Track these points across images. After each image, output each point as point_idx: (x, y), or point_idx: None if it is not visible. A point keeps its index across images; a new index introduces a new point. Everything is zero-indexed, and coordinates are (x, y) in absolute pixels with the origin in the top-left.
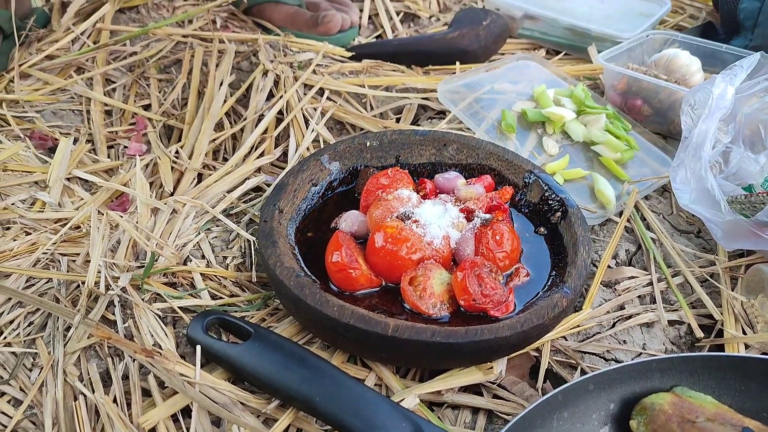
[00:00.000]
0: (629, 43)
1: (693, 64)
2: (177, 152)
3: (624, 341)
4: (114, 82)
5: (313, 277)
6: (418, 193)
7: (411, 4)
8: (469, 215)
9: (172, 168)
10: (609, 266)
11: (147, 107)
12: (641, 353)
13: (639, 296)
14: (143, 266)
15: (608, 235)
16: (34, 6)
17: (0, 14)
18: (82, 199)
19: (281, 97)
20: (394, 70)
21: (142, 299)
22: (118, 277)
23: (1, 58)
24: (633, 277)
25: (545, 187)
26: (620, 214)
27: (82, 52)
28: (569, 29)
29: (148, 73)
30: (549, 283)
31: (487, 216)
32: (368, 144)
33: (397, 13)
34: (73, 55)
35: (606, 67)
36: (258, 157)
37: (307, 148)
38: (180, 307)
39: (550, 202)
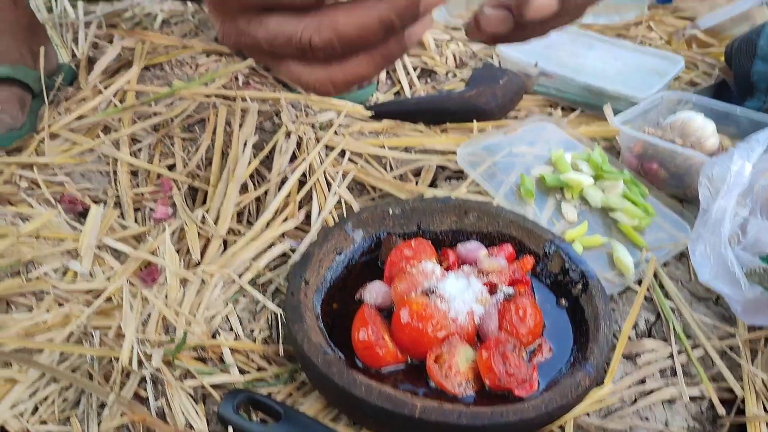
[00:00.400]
0: (645, 104)
1: (707, 128)
2: (203, 217)
3: (646, 418)
4: (139, 141)
5: (340, 353)
6: (441, 265)
7: (428, 60)
8: (492, 289)
9: (199, 233)
10: (629, 338)
11: (172, 167)
12: (662, 430)
13: (660, 369)
14: (174, 340)
15: (627, 304)
16: (61, 62)
17: (28, 74)
18: (112, 268)
19: (304, 159)
20: (413, 130)
21: (174, 376)
22: (151, 354)
23: (31, 118)
24: (653, 350)
25: (566, 258)
26: (639, 282)
27: (108, 113)
28: (584, 87)
29: (172, 132)
30: (571, 359)
31: (510, 290)
32: (391, 212)
33: (414, 69)
34: (100, 115)
35: (622, 130)
36: (282, 222)
37: (330, 212)
38: (210, 385)
39: (571, 273)
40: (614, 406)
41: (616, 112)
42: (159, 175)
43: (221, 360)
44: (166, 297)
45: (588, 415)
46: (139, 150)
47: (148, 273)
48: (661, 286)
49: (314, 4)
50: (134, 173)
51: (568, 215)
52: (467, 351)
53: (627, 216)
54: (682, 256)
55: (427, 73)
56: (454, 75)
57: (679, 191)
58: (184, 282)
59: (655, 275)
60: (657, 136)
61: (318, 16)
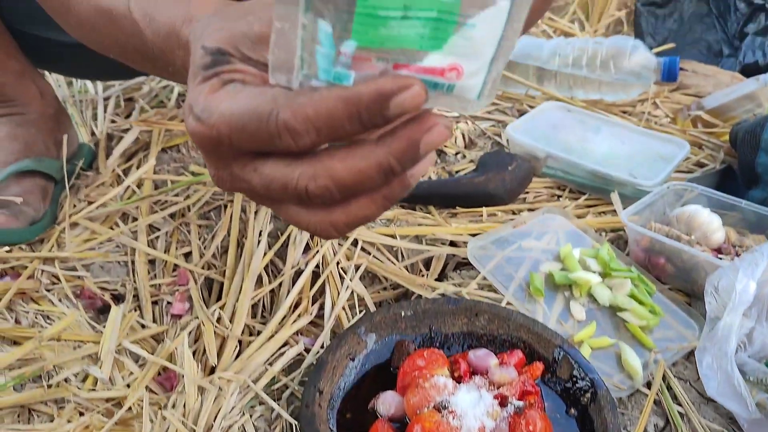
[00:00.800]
0: (651, 197)
1: (713, 222)
2: (219, 315)
3: None
4: (157, 229)
5: None
6: (453, 373)
7: None
8: (502, 401)
9: (215, 332)
10: None
11: (188, 255)
12: None
13: None
14: None
15: (636, 408)
16: (81, 141)
17: (52, 165)
18: (131, 373)
19: (317, 251)
20: (423, 217)
21: None
22: None
23: (52, 207)
24: None
25: (575, 365)
26: (648, 384)
27: (127, 202)
28: (592, 173)
29: (189, 219)
30: None
31: (520, 404)
32: (403, 314)
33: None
34: (119, 204)
35: (629, 226)
36: (295, 321)
37: (343, 307)
38: None
39: (580, 381)
40: None
41: (623, 197)
42: (176, 266)
43: None
44: (185, 406)
45: None
46: (157, 238)
47: (167, 378)
48: (669, 388)
49: (308, 150)
50: (152, 262)
51: (577, 314)
52: None
53: (634, 316)
54: (690, 355)
55: (436, 153)
56: (464, 156)
57: (687, 286)
58: (201, 389)
59: (664, 377)
60: (664, 231)
61: (313, 162)
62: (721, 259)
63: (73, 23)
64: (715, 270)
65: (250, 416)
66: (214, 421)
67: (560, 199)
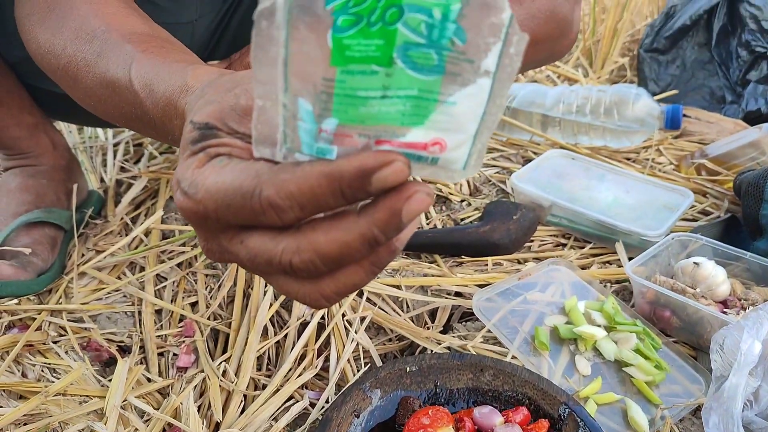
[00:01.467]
0: (656, 248)
1: (718, 275)
2: (224, 369)
3: None
4: (164, 279)
5: None
6: (458, 431)
7: (443, 187)
8: None
9: (220, 386)
10: None
11: (194, 305)
12: None
13: None
14: None
15: None
16: (90, 188)
17: (61, 216)
18: (136, 429)
19: None
20: (428, 266)
21: None
22: None
23: (60, 257)
24: None
25: (580, 423)
26: None
27: (135, 252)
28: (596, 222)
29: (195, 268)
30: None
31: None
32: (408, 369)
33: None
34: (127, 254)
35: (634, 279)
36: (300, 374)
37: (348, 360)
38: None
39: None
40: None
41: (627, 247)
42: (182, 316)
43: None
44: None
45: None
46: (164, 288)
47: None
48: None
49: (293, 224)
50: (158, 312)
51: (582, 369)
52: None
53: (640, 372)
54: (697, 411)
55: (441, 200)
56: (469, 204)
57: (693, 339)
58: None
59: None
60: (669, 284)
61: (297, 236)
62: (726, 313)
63: (81, 95)
64: (721, 325)
65: None
66: None
67: (565, 248)
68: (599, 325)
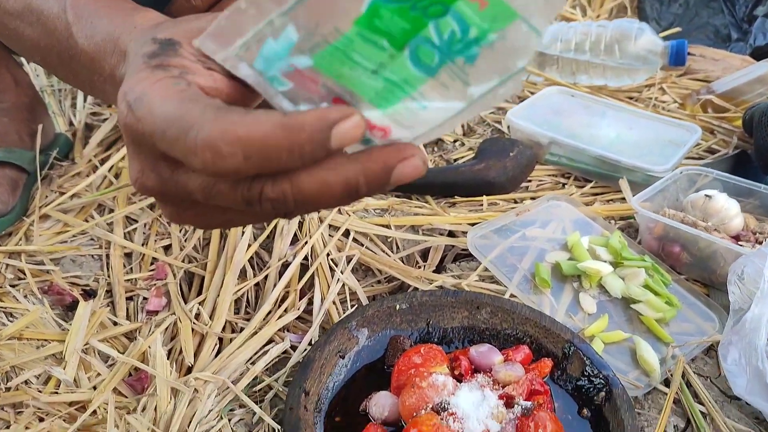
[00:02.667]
0: (663, 182)
1: (731, 208)
2: (198, 311)
3: None
4: (134, 221)
5: None
6: (453, 371)
7: None
8: (508, 402)
9: (193, 329)
10: None
11: (167, 248)
12: None
13: None
14: None
15: (653, 407)
16: (58, 131)
17: (24, 156)
18: (99, 374)
19: (306, 242)
20: (420, 206)
21: None
22: None
23: (23, 199)
24: None
25: (587, 362)
26: (665, 381)
27: (103, 192)
28: (599, 158)
29: None
30: None
31: (528, 405)
32: (398, 307)
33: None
34: (94, 195)
35: (641, 212)
36: (281, 316)
37: (333, 302)
38: None
39: (593, 379)
40: None
41: (632, 185)
42: (154, 259)
43: None
44: (156, 410)
45: None
46: (134, 230)
47: (137, 380)
48: (689, 384)
49: (225, 177)
50: (128, 255)
51: (587, 307)
52: None
53: (650, 308)
54: (710, 350)
55: (433, 141)
56: (462, 144)
57: (704, 276)
58: (174, 392)
59: (683, 374)
60: (678, 217)
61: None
62: (741, 246)
63: None
64: (735, 258)
65: (229, 420)
66: (189, 426)
67: (565, 187)
68: (605, 261)
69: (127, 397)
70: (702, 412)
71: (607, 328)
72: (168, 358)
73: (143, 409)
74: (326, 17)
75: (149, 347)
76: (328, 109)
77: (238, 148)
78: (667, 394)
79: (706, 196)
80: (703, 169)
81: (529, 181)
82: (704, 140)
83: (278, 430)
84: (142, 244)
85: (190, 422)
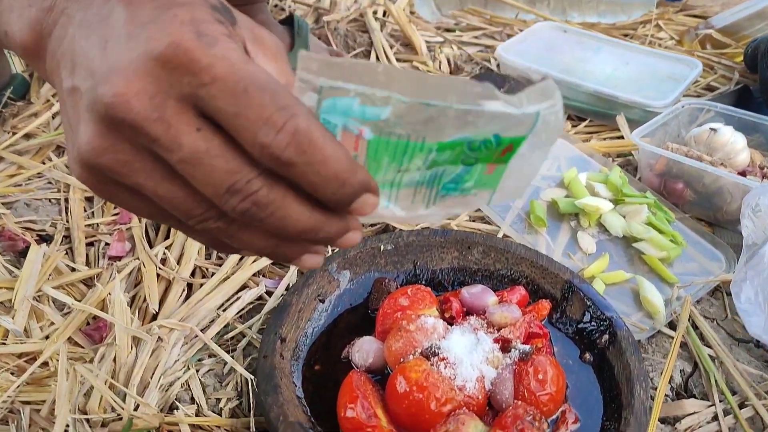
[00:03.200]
0: (664, 116)
1: (738, 142)
2: (164, 255)
3: None
4: None
5: None
6: (443, 314)
7: (420, 65)
8: (505, 345)
9: (159, 276)
10: (666, 395)
11: None
12: None
13: None
14: (122, 417)
15: (657, 351)
16: (14, 72)
17: None
18: (52, 323)
19: None
20: None
21: None
22: None
23: None
24: (695, 412)
25: (588, 303)
26: (670, 324)
27: (60, 133)
28: (593, 95)
29: None
30: None
31: (527, 348)
32: (382, 248)
33: None
34: (51, 135)
35: (642, 147)
36: (256, 260)
37: None
38: None
39: (595, 321)
40: None
41: (629, 123)
42: None
43: None
44: (115, 361)
45: None
46: None
47: (95, 329)
48: (695, 327)
49: (259, 164)
50: (89, 199)
51: (586, 246)
52: (478, 427)
53: (653, 247)
54: (716, 290)
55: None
56: None
57: (709, 214)
58: (136, 341)
59: (689, 316)
60: (682, 151)
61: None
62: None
63: None
64: (744, 194)
65: (197, 371)
66: (151, 377)
67: None
68: (604, 198)
69: (83, 348)
70: (710, 356)
71: (607, 268)
72: (131, 306)
73: (101, 360)
74: (428, 126)
75: (109, 294)
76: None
77: (314, 153)
78: (671, 337)
79: (711, 129)
80: (707, 103)
81: None
82: (703, 77)
83: (251, 380)
84: None
85: (154, 373)
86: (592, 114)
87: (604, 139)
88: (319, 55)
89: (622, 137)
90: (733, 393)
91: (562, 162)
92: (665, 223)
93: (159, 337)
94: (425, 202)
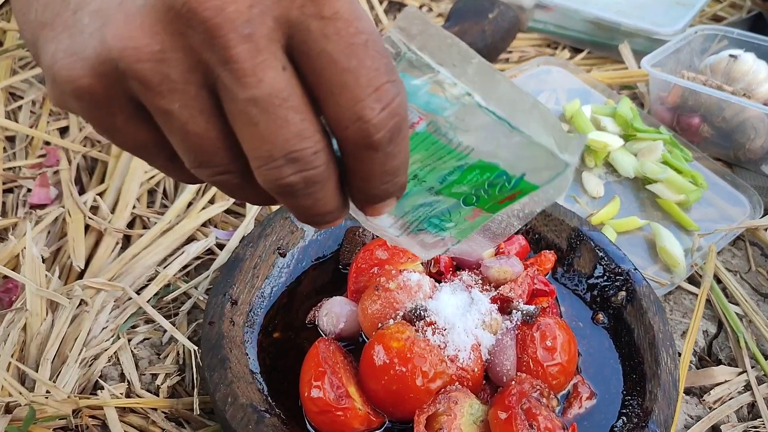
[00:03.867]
0: (676, 43)
1: (761, 71)
2: (95, 202)
3: None
4: (20, 97)
5: (282, 415)
6: (429, 269)
7: None
8: (504, 306)
9: (88, 227)
10: (690, 362)
11: (65, 131)
12: None
13: (736, 410)
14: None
15: (677, 309)
16: None
17: None
18: None
19: None
20: None
21: None
22: None
23: None
24: (725, 381)
25: (600, 254)
26: (689, 279)
27: None
28: (592, 22)
29: None
30: (625, 411)
31: (531, 309)
32: None
33: (380, 1)
34: None
35: (653, 76)
36: (205, 207)
37: None
38: None
39: (609, 275)
40: None
41: (633, 53)
42: (47, 143)
43: (104, 428)
44: (25, 330)
45: None
46: (19, 108)
47: (5, 291)
48: (718, 281)
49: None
50: (10, 139)
51: (592, 189)
52: (473, 406)
53: (670, 189)
54: (738, 240)
55: (395, 7)
56: (430, 9)
57: (728, 153)
58: (53, 305)
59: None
60: (700, 80)
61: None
62: None
63: None
64: None
65: (129, 341)
66: (71, 349)
67: (553, 58)
68: (612, 134)
69: None
70: (737, 314)
71: (618, 214)
72: (53, 262)
73: (8, 326)
74: (484, 140)
75: (23, 250)
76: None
77: (399, 143)
78: (691, 293)
79: (731, 56)
80: (722, 29)
81: (510, 52)
82: (710, 7)
83: (195, 351)
84: (31, 127)
85: (74, 344)
86: (590, 45)
87: (605, 71)
88: (425, 14)
89: (626, 68)
90: (766, 357)
91: (561, 94)
92: (683, 162)
93: (82, 301)
94: (403, 228)
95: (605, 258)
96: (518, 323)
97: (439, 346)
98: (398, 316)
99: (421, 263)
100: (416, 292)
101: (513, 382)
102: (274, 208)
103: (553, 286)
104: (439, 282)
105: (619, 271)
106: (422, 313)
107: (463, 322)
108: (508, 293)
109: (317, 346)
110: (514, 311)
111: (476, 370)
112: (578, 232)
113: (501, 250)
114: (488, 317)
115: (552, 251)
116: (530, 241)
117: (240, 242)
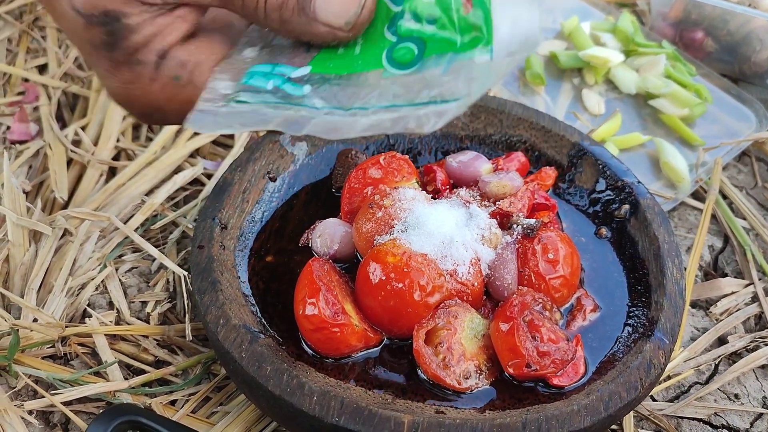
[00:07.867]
0: None
1: None
2: (77, 135)
3: (735, 395)
4: None
5: (276, 336)
6: (425, 187)
7: None
8: (504, 220)
9: (71, 160)
10: (696, 276)
11: (43, 68)
12: (762, 414)
13: (743, 321)
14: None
15: (681, 225)
16: None
17: None
18: None
19: None
20: None
21: (12, 390)
22: None
23: None
24: (731, 293)
25: (602, 168)
26: (693, 194)
27: None
28: None
29: (43, 20)
30: (630, 322)
31: (532, 222)
32: None
33: None
34: None
35: None
36: (192, 137)
37: None
38: (72, 401)
39: (611, 189)
40: (687, 381)
41: None
42: (24, 81)
43: (94, 356)
44: (8, 261)
45: (653, 398)
46: None
47: None
48: (723, 196)
49: None
50: None
51: (593, 106)
52: (474, 320)
53: (674, 104)
54: (744, 155)
55: None
56: None
57: (733, 68)
58: (36, 236)
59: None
60: None
61: None
62: None
63: None
64: None
65: (116, 269)
66: (56, 279)
67: None
68: (612, 50)
69: None
70: (743, 228)
71: (620, 130)
72: (35, 196)
73: None
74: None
75: (2, 184)
76: None
77: None
78: (696, 209)
79: None
80: None
81: None
82: None
83: (185, 276)
84: (9, 64)
85: (59, 274)
86: None
87: None
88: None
89: None
90: None
91: (558, 14)
92: (686, 75)
93: (66, 231)
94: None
95: (607, 172)
96: (519, 237)
97: (437, 260)
98: (394, 232)
99: (417, 181)
100: (411, 208)
101: (515, 295)
102: (262, 133)
103: (554, 201)
104: (436, 200)
105: (622, 184)
106: (418, 228)
107: (461, 237)
108: (508, 207)
109: (311, 265)
110: (514, 225)
111: (476, 284)
112: (579, 146)
113: (499, 167)
114: (487, 232)
115: (552, 167)
116: (530, 158)
117: (230, 166)
